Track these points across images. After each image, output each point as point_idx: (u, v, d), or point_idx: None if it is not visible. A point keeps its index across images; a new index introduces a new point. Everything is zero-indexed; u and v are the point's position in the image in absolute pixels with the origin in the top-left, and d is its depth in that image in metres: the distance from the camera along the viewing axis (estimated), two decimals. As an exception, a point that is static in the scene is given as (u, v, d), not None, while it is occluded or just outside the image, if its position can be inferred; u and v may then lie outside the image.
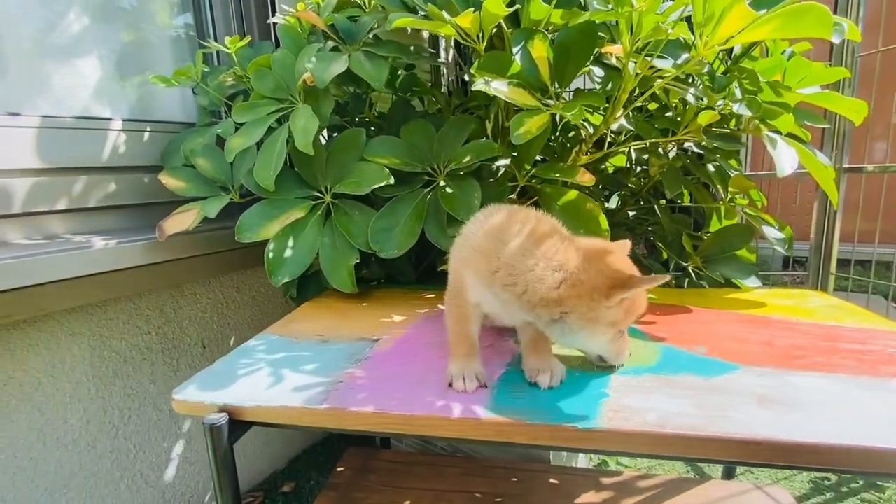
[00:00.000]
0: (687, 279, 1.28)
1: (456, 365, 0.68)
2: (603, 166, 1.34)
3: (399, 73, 1.44)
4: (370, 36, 1.03)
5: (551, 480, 1.24)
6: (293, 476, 1.68)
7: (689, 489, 1.18)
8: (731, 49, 1.09)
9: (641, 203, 1.31)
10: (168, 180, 1.12)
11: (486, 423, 0.58)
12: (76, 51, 1.19)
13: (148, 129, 1.24)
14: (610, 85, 0.85)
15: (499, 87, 0.81)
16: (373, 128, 1.21)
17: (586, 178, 0.85)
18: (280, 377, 0.72)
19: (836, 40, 0.56)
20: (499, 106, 1.04)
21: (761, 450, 0.53)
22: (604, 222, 0.85)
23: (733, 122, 1.08)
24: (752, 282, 1.15)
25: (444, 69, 1.84)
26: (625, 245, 0.72)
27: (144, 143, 1.24)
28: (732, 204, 1.17)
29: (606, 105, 0.87)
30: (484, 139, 0.91)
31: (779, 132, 1.03)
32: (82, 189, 1.12)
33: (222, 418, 0.64)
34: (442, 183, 0.94)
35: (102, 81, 1.22)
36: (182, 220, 1.02)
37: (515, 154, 0.95)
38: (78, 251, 0.99)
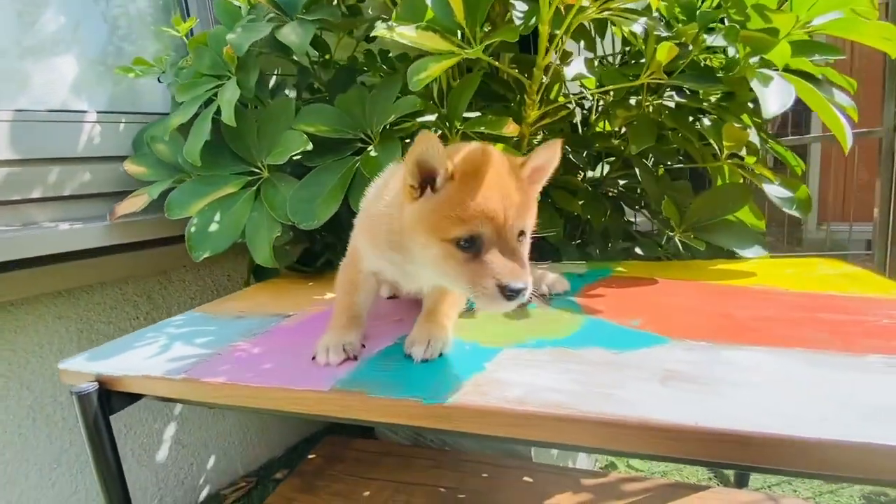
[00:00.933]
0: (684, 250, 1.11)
1: (327, 336, 0.61)
2: (586, 129, 1.20)
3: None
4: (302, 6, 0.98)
5: (525, 478, 1.12)
6: (288, 464, 1.69)
7: (687, 495, 1.02)
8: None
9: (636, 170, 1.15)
10: (130, 167, 1.15)
11: (330, 396, 0.51)
12: (55, 48, 1.26)
13: (123, 120, 1.29)
14: (534, 20, 0.74)
15: (404, 32, 0.73)
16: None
17: (511, 129, 0.75)
18: (166, 349, 0.69)
19: None
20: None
21: (638, 435, 0.41)
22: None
23: (715, 62, 0.90)
24: (756, 252, 0.96)
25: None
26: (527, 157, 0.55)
27: (119, 133, 1.29)
28: (733, 161, 0.98)
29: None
30: (409, 95, 0.83)
31: (775, 68, 0.85)
32: (57, 178, 1.18)
33: (91, 387, 0.62)
34: (371, 150, 0.87)
35: (82, 74, 1.29)
36: (133, 203, 1.04)
37: (444, 110, 0.86)
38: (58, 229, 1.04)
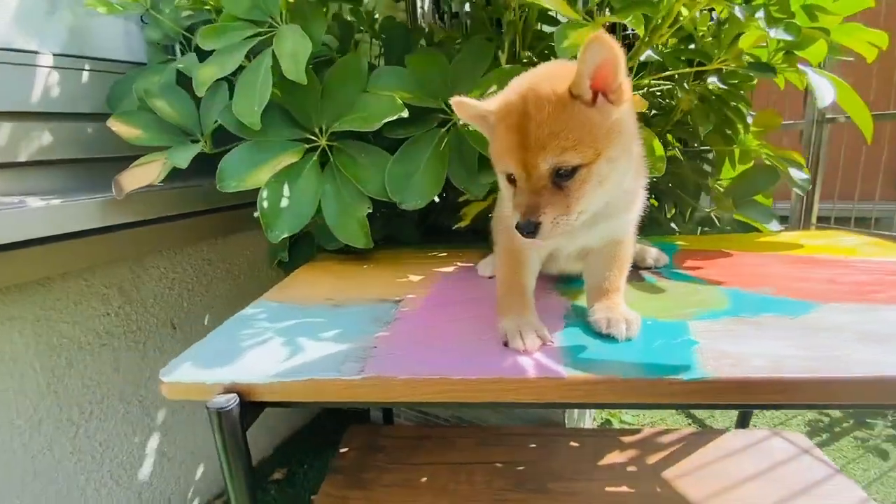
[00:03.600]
0: (700, 228, 1.23)
1: (510, 321, 0.57)
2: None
3: (377, 16, 1.26)
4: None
5: (571, 443, 1.18)
6: (283, 462, 1.55)
7: (710, 440, 1.16)
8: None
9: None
10: (120, 127, 0.92)
11: (573, 381, 0.48)
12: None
13: (87, 67, 1.02)
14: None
15: (540, -6, 0.68)
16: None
17: (637, 102, 0.75)
18: (297, 347, 0.59)
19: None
20: (516, 31, 0.90)
21: (882, 387, 0.45)
22: (659, 149, 0.75)
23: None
24: (774, 226, 1.10)
25: (421, 13, 1.67)
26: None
27: (84, 85, 1.02)
28: (759, 143, 1.10)
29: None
30: (510, 66, 0.78)
31: (809, 64, 0.97)
32: (8, 139, 0.90)
33: (232, 400, 0.50)
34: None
35: (25, 6, 0.98)
36: (144, 174, 0.84)
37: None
38: (8, 211, 0.79)
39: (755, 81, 1.13)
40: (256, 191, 0.80)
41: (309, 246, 1.00)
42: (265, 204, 0.75)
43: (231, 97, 0.85)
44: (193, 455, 1.35)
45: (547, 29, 1.05)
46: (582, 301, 0.68)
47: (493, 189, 0.82)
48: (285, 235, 0.76)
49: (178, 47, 1.12)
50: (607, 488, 1.03)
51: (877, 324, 0.57)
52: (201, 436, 1.36)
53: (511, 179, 0.55)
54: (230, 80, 0.89)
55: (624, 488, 1.02)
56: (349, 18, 1.03)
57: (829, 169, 2.08)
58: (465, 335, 0.60)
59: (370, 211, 0.77)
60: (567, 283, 0.78)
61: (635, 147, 0.57)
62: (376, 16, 1.24)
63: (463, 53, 0.86)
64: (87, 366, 1.10)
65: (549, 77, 0.52)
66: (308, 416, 1.76)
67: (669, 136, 1.14)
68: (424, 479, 1.08)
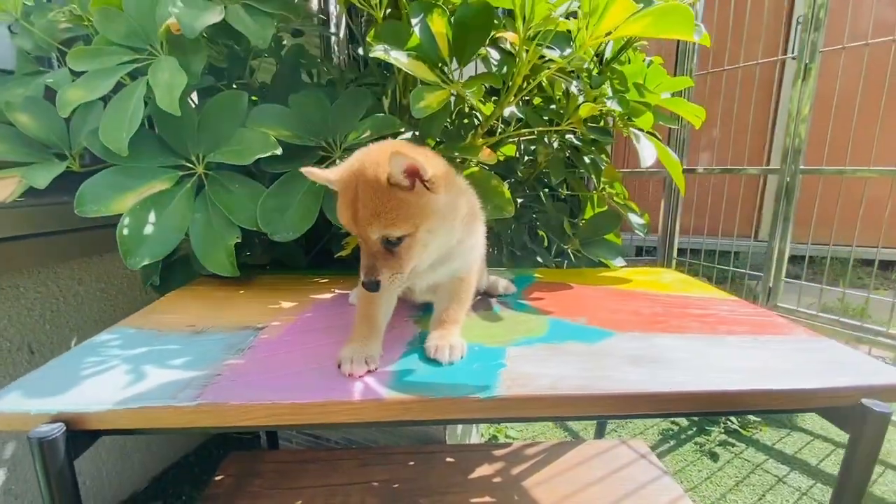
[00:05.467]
0: (566, 261, 1.41)
1: (347, 349, 0.64)
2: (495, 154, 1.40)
3: (284, 41, 1.32)
4: (251, -11, 0.91)
5: (447, 459, 1.26)
6: (159, 495, 1.46)
7: (569, 450, 1.30)
8: (602, 54, 1.20)
9: (527, 191, 1.40)
10: (-29, 139, 0.87)
11: (390, 402, 0.56)
12: None
13: (-63, 71, 0.95)
14: (505, 69, 0.88)
15: (398, 58, 0.78)
16: (253, 97, 1.09)
17: (486, 155, 0.87)
18: (140, 375, 0.61)
19: (696, 38, 0.64)
20: (396, 82, 1.00)
21: (638, 402, 0.59)
22: (507, 194, 0.87)
23: (601, 121, 1.19)
24: (619, 262, 1.29)
25: (335, 44, 1.74)
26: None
27: (-68, 90, 0.94)
28: (605, 193, 1.30)
29: (500, 88, 0.90)
30: (384, 114, 0.87)
31: (641, 129, 1.18)
32: None
33: (56, 429, 0.51)
34: (338, 161, 0.88)
35: None
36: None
37: (417, 132, 0.93)
38: None
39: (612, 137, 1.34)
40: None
41: (186, 269, 1.00)
42: (125, 231, 0.76)
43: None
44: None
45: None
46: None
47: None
48: (146, 262, 0.77)
49: (53, 57, 1.08)
50: (472, 499, 1.12)
51: (650, 349, 0.71)
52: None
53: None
54: (105, 100, 0.89)
55: (487, 498, 1.12)
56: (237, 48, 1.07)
57: (697, 209, 2.46)
58: (313, 362, 0.66)
59: (238, 241, 0.81)
60: (425, 310, 0.87)
61: (464, 206, 0.68)
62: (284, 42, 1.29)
63: (344, 97, 0.94)
64: (-87, 396, 0.98)
65: (377, 162, 0.60)
66: (191, 445, 1.68)
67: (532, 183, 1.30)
68: (300, 503, 1.09)
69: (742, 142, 2.48)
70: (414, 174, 0.59)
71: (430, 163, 0.60)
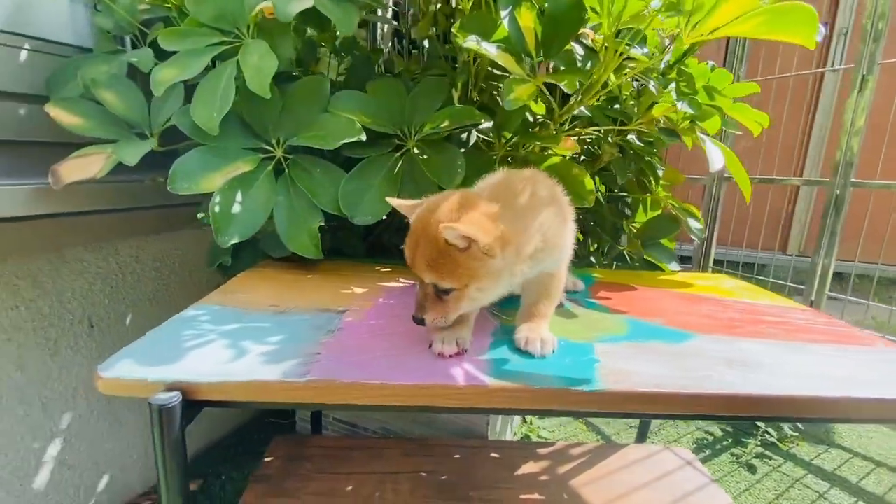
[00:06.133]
0: (615, 262, 1.40)
1: (441, 331, 0.65)
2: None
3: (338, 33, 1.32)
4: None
5: (492, 455, 1.26)
6: (197, 473, 1.48)
7: (612, 454, 1.30)
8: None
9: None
10: (59, 114, 0.89)
11: (494, 389, 0.56)
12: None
13: (26, 46, 0.97)
14: (589, 64, 0.87)
15: (489, 49, 0.78)
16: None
17: (569, 145, 0.87)
18: (241, 349, 0.61)
19: (818, 39, 0.63)
20: (469, 73, 1.00)
21: (741, 404, 0.58)
22: (589, 184, 0.87)
23: (662, 122, 1.18)
24: (674, 266, 1.28)
25: (379, 37, 1.75)
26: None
27: (21, 65, 0.97)
28: (662, 196, 1.29)
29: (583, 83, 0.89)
30: (462, 105, 0.87)
31: (706, 133, 1.16)
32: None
33: (174, 397, 0.52)
34: (415, 149, 0.88)
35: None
36: (85, 166, 0.82)
37: (493, 122, 0.93)
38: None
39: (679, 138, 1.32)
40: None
41: (253, 252, 1.01)
42: (217, 209, 0.77)
43: (185, 99, 0.86)
44: (97, 465, 1.26)
45: (497, 72, 1.16)
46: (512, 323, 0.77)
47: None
48: (235, 241, 0.78)
49: (130, 38, 1.10)
50: (521, 496, 1.11)
51: (738, 352, 0.71)
52: (109, 445, 1.28)
53: None
54: (185, 82, 0.90)
55: (536, 496, 1.12)
56: (311, 34, 1.07)
57: (724, 220, 2.43)
58: (404, 346, 0.66)
59: (322, 224, 0.81)
60: (502, 304, 0.86)
61: (533, 241, 0.66)
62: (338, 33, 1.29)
63: (421, 87, 0.94)
64: (-15, 362, 1.01)
65: (439, 218, 0.60)
66: (229, 427, 1.70)
67: (596, 180, 1.29)
68: (350, 488, 1.10)
69: (773, 152, 2.44)
70: (471, 243, 0.59)
71: (487, 228, 0.59)
